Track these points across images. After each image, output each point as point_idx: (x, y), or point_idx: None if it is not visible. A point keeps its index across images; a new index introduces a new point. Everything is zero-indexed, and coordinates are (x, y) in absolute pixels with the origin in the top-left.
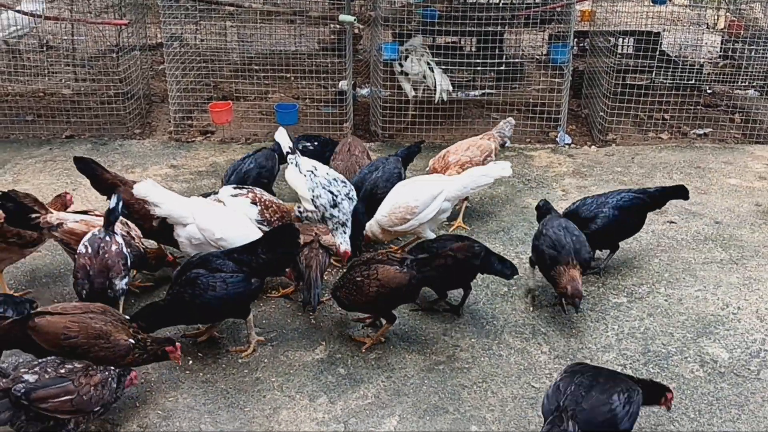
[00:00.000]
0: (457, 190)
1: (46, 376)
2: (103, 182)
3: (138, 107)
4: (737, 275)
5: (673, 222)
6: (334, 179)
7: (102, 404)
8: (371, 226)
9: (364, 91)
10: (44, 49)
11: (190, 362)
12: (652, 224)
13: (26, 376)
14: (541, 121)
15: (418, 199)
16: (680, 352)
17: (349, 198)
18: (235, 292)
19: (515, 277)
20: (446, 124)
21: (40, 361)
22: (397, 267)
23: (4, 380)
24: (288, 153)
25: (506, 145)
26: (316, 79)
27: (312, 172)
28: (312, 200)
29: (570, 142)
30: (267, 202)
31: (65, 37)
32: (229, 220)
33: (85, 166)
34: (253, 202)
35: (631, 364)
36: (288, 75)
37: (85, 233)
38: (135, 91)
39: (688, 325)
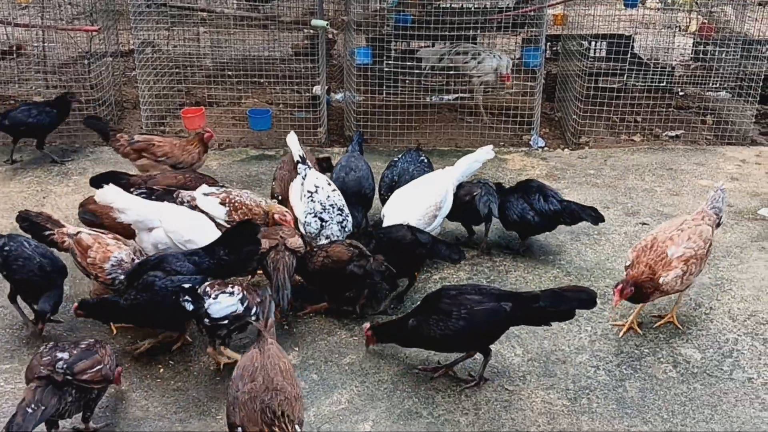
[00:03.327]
0: (456, 180)
1: (75, 351)
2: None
3: (110, 113)
4: (709, 276)
5: (645, 223)
6: (331, 206)
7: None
8: None
9: (338, 96)
10: (15, 56)
11: (161, 370)
12: (625, 226)
13: (60, 354)
14: (515, 124)
15: (440, 193)
16: (653, 353)
17: (342, 227)
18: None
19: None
20: (420, 129)
21: (56, 343)
22: (347, 247)
23: (43, 368)
24: (299, 162)
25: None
26: (290, 84)
27: (311, 194)
28: (303, 224)
29: (543, 145)
30: (237, 204)
31: (36, 44)
32: (196, 222)
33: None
34: (222, 203)
35: (604, 365)
36: (261, 80)
37: (90, 246)
38: (106, 98)
39: (661, 326)
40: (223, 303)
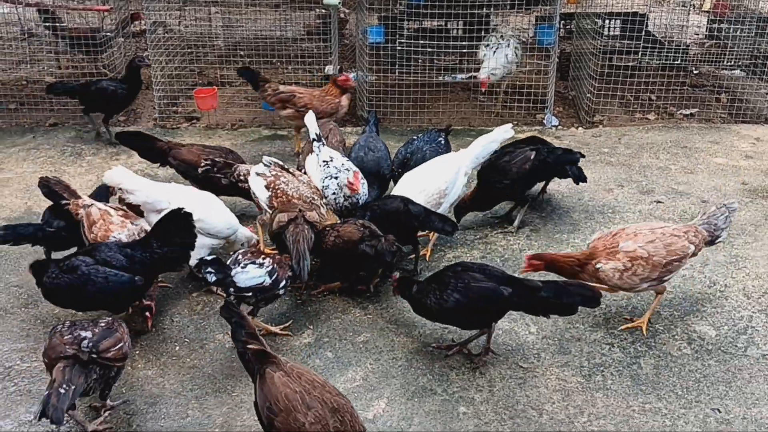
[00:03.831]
0: (472, 162)
1: (97, 330)
2: (157, 150)
3: None
4: (724, 253)
5: (660, 202)
6: (347, 169)
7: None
8: None
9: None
10: (26, 37)
11: (177, 348)
12: (639, 204)
13: (82, 333)
14: (528, 103)
15: (447, 180)
16: (668, 330)
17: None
18: (113, 291)
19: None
20: (433, 108)
21: (75, 321)
22: (359, 227)
23: (67, 347)
24: (314, 140)
25: (719, 240)
26: (302, 64)
27: (327, 162)
28: (322, 190)
29: (557, 124)
30: (279, 192)
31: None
32: (205, 202)
33: (131, 138)
34: (267, 186)
35: (618, 342)
36: (274, 60)
37: (95, 222)
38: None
39: (676, 304)
40: (250, 273)
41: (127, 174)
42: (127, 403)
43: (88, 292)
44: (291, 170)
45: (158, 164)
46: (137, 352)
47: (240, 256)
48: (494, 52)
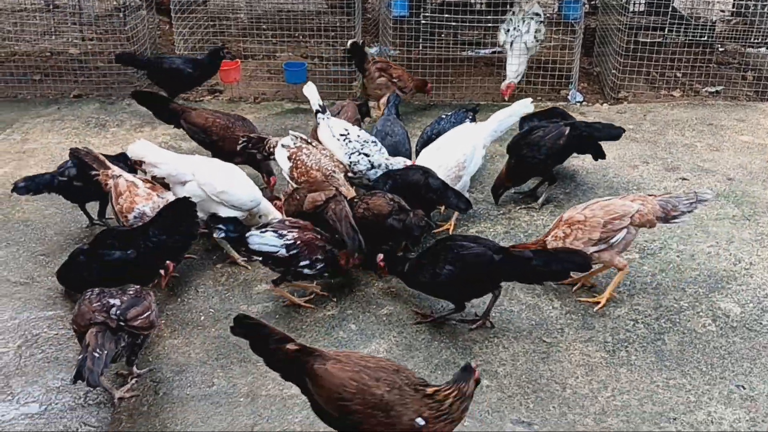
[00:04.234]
0: (490, 135)
1: (125, 298)
2: (170, 111)
3: None
4: (749, 231)
5: (685, 179)
6: (365, 141)
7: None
8: None
9: (374, 50)
10: (50, 8)
11: (202, 318)
12: (664, 181)
13: (111, 300)
14: (553, 78)
15: (465, 153)
16: (692, 307)
17: (382, 154)
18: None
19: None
20: (456, 83)
21: (104, 289)
22: (388, 200)
23: (97, 314)
24: (318, 111)
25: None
26: (325, 37)
27: (345, 136)
28: (350, 166)
29: (582, 99)
30: (299, 163)
31: None
32: (228, 174)
33: (146, 97)
34: (290, 158)
35: (642, 318)
36: (296, 34)
37: (122, 193)
38: (142, 51)
39: (701, 281)
40: (265, 239)
41: (151, 147)
42: (153, 371)
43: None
44: (314, 144)
45: (173, 126)
46: (163, 321)
47: (276, 222)
48: (512, 45)
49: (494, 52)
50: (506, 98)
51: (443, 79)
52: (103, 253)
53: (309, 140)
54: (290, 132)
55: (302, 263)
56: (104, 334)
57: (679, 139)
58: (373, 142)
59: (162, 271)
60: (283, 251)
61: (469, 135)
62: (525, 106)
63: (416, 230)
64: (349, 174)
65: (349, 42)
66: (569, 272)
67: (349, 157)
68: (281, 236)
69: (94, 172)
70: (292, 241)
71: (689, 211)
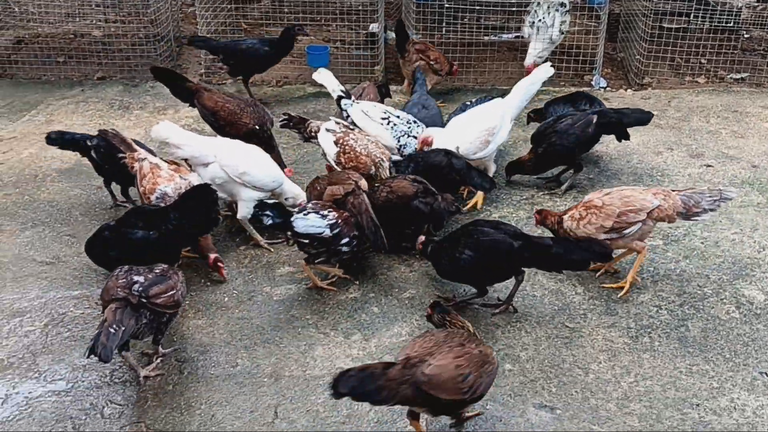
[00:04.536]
0: (516, 106)
1: (150, 276)
2: (185, 90)
3: (168, 49)
4: None
5: (710, 165)
6: (408, 122)
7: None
8: None
9: (390, 36)
10: None
11: (226, 299)
12: (689, 168)
13: (135, 278)
14: (577, 64)
15: (495, 119)
16: (716, 294)
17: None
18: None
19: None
20: (479, 67)
21: (133, 267)
22: (411, 182)
23: (120, 290)
24: (341, 97)
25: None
26: (347, 21)
27: (389, 120)
28: (399, 149)
29: (605, 85)
30: (347, 148)
31: None
32: (251, 155)
33: (163, 74)
34: (336, 142)
35: (666, 305)
36: (318, 17)
37: (145, 175)
38: (165, 33)
39: (725, 268)
40: (309, 221)
41: (174, 128)
42: (178, 350)
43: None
44: (357, 130)
45: (188, 105)
46: (187, 302)
47: (311, 204)
48: (537, 32)
49: (517, 37)
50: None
51: (466, 64)
52: (126, 231)
53: (351, 127)
54: (332, 118)
55: (343, 241)
56: (123, 310)
57: (704, 126)
58: (415, 122)
59: (220, 264)
60: (327, 231)
61: (498, 104)
62: (545, 71)
63: (446, 215)
64: (395, 158)
65: (395, 21)
66: (589, 262)
67: (398, 141)
68: (324, 217)
69: (120, 155)
70: (334, 221)
71: (712, 210)
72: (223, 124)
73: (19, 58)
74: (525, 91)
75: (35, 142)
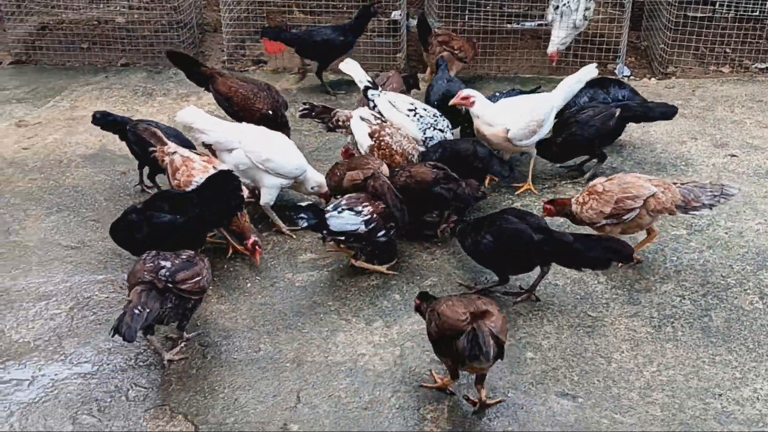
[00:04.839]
0: (563, 100)
1: (177, 261)
2: (200, 74)
3: (191, 36)
4: None
5: (734, 155)
6: (434, 115)
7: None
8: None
9: (411, 23)
10: None
11: (248, 285)
12: (713, 157)
13: (162, 263)
14: (600, 52)
15: (543, 113)
16: (739, 284)
17: (447, 127)
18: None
19: None
20: (502, 55)
21: (161, 252)
22: (431, 168)
23: (146, 274)
24: (368, 87)
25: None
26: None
27: (415, 111)
28: (425, 141)
29: (629, 74)
30: (383, 143)
31: None
32: (274, 141)
33: (179, 59)
34: (371, 135)
35: (689, 294)
36: (340, 4)
37: (178, 168)
38: (188, 20)
39: (748, 258)
40: (344, 219)
41: (199, 113)
42: (201, 335)
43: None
44: (389, 122)
45: (204, 89)
46: (210, 288)
47: (344, 201)
48: (561, 16)
49: (540, 25)
50: (553, 63)
51: (489, 52)
52: (153, 214)
53: (383, 118)
54: (363, 109)
55: (379, 234)
56: (149, 293)
57: (728, 116)
58: (441, 116)
59: (257, 247)
60: (362, 227)
61: (549, 98)
62: (590, 72)
63: (471, 200)
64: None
65: (417, 9)
66: (610, 262)
67: (424, 133)
68: (358, 213)
69: (151, 149)
70: (368, 216)
71: (711, 205)
72: (237, 110)
73: (44, 44)
74: (569, 88)
75: (60, 127)
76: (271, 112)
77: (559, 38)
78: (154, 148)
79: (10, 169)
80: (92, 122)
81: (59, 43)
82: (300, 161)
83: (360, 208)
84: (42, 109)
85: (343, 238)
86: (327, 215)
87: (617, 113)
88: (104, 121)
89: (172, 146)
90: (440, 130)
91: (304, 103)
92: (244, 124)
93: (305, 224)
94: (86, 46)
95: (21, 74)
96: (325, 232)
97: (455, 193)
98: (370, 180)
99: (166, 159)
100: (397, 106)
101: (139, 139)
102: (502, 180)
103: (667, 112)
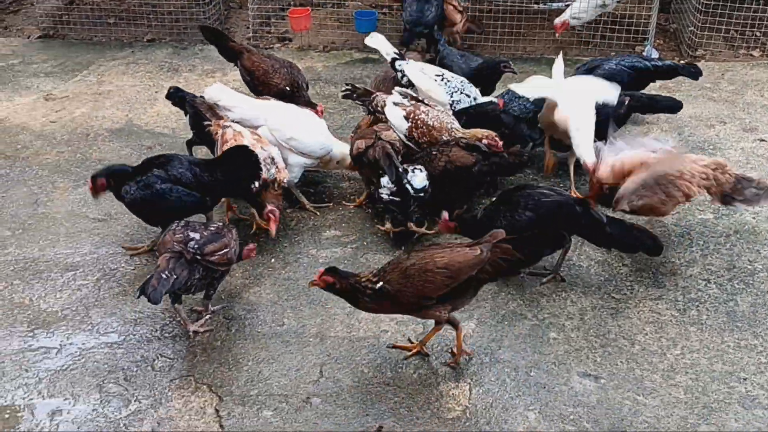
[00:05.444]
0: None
1: (206, 233)
2: (229, 50)
3: (216, 12)
4: None
5: (763, 140)
6: (462, 82)
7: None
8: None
9: None
10: None
11: (273, 260)
12: (741, 142)
13: (192, 234)
14: (628, 34)
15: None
16: (766, 270)
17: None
18: (183, 207)
19: None
20: (528, 36)
21: (190, 222)
22: (468, 152)
23: (176, 245)
24: (396, 59)
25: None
26: None
27: (443, 77)
28: (451, 105)
29: (657, 57)
30: (419, 122)
31: None
32: (300, 120)
33: (211, 34)
34: (407, 117)
35: (715, 279)
36: None
37: (227, 141)
38: None
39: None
40: (420, 176)
41: (226, 90)
42: (226, 308)
43: (160, 208)
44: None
45: (233, 64)
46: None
47: (404, 165)
48: None
49: (567, 5)
50: (557, 35)
51: (515, 32)
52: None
53: (418, 97)
54: (396, 90)
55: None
56: (177, 260)
57: (758, 100)
58: (468, 83)
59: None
60: (428, 183)
61: (612, 87)
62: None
63: (516, 168)
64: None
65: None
66: (637, 249)
67: (451, 96)
68: (421, 170)
69: (207, 123)
70: (426, 172)
71: (748, 202)
72: (256, 84)
73: (71, 18)
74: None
75: (87, 101)
76: (288, 88)
77: (574, 10)
78: (210, 122)
79: (38, 142)
80: (165, 97)
81: (86, 18)
82: (325, 141)
83: (418, 167)
84: (69, 83)
85: (422, 194)
86: (409, 176)
87: (627, 101)
88: (176, 96)
89: (227, 121)
90: (467, 94)
91: (347, 84)
92: (272, 101)
93: (387, 196)
94: (113, 22)
95: (48, 48)
96: (411, 190)
97: (497, 165)
98: (369, 150)
99: (219, 131)
100: (426, 72)
101: (196, 113)
102: (534, 143)
103: (672, 106)
